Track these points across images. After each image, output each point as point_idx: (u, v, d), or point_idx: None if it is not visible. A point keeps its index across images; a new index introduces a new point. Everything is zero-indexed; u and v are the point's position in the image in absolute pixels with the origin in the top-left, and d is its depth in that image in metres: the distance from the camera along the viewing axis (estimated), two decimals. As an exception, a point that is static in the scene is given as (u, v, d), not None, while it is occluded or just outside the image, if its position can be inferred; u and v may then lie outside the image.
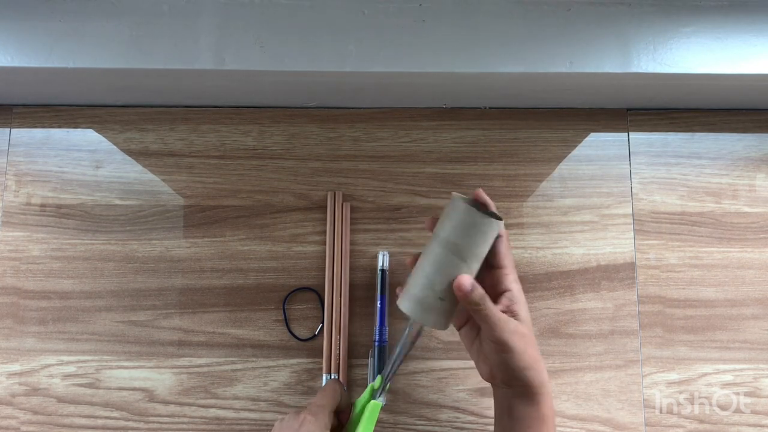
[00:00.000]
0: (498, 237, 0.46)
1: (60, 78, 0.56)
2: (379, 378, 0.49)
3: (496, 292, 0.47)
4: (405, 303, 0.46)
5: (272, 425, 0.47)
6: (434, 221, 0.48)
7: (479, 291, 0.44)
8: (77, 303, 0.60)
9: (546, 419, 0.46)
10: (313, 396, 0.58)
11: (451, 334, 0.59)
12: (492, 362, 0.47)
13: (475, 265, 0.45)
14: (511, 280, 0.47)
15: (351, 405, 0.49)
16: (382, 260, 0.59)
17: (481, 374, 0.49)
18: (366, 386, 0.57)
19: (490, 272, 0.48)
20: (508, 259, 0.47)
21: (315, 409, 0.46)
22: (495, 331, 0.44)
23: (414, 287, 0.46)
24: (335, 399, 0.47)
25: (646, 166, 0.63)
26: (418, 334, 0.48)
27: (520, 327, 0.45)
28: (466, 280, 0.44)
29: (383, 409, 0.57)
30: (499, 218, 0.45)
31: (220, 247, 0.60)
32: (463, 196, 0.46)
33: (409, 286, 0.46)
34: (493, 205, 0.48)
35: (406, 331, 0.48)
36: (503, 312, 0.45)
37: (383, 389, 0.49)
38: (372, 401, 0.48)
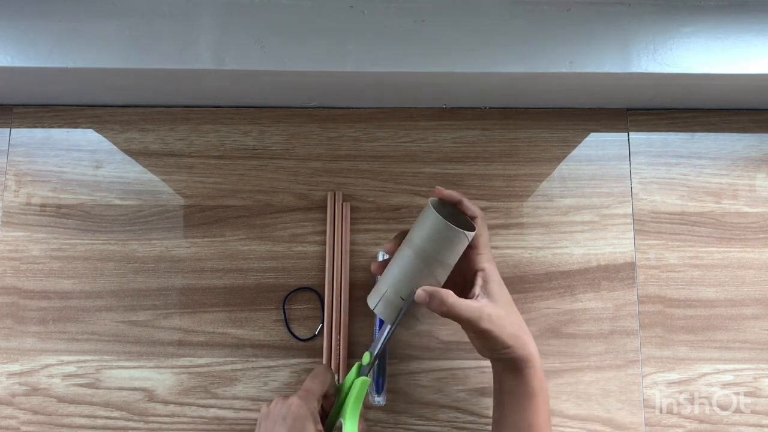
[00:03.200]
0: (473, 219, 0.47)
1: (60, 78, 0.56)
2: (367, 354, 0.49)
3: (470, 272, 0.48)
4: (373, 301, 0.47)
5: None
6: (400, 237, 0.48)
7: (437, 299, 0.44)
8: (77, 303, 0.60)
9: (534, 393, 0.46)
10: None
11: (451, 334, 0.59)
12: (476, 345, 0.49)
13: (442, 273, 0.46)
14: (483, 259, 0.47)
15: (337, 388, 0.49)
16: (382, 260, 0.59)
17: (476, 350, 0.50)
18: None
19: (464, 252, 0.48)
20: (482, 239, 0.48)
21: (303, 394, 0.46)
22: (468, 325, 0.45)
23: (383, 287, 0.47)
24: (324, 384, 0.47)
25: (646, 166, 0.63)
26: (405, 311, 0.47)
27: (493, 310, 0.45)
28: (422, 295, 0.44)
29: (383, 409, 0.57)
30: (471, 228, 0.46)
31: (220, 247, 0.60)
32: (437, 201, 0.47)
33: (378, 285, 0.47)
34: (464, 201, 0.47)
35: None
36: (477, 293, 0.46)
37: (372, 366, 0.48)
38: (360, 378, 0.47)
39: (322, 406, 0.48)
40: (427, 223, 0.45)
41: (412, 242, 0.46)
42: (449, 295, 0.44)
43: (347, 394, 0.47)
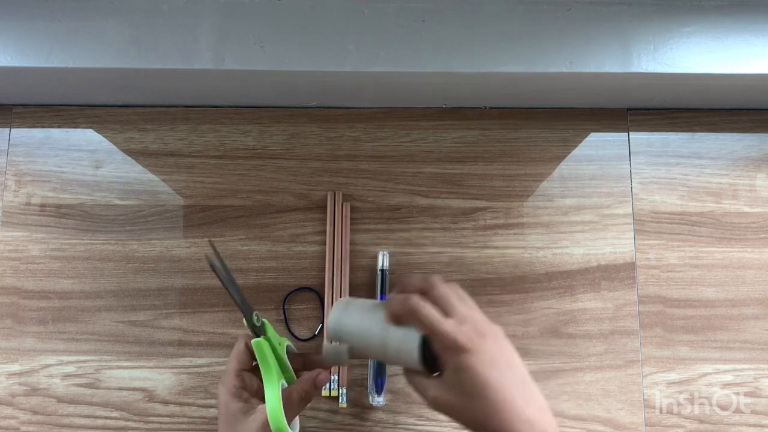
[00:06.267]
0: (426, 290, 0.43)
1: (60, 78, 0.56)
2: (245, 319, 0.46)
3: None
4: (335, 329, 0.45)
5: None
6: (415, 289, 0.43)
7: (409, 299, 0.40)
8: (77, 303, 0.59)
9: None
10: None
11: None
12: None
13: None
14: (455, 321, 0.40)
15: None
16: (382, 260, 0.59)
17: None
18: (365, 386, 0.58)
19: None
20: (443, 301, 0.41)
21: (222, 377, 0.45)
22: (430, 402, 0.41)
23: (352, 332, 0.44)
24: (240, 359, 0.45)
25: (646, 166, 0.62)
26: (218, 258, 0.47)
27: (445, 395, 0.40)
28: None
29: (383, 409, 0.57)
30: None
31: (220, 247, 0.60)
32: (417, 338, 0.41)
33: (350, 327, 0.44)
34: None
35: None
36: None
37: (254, 326, 0.45)
38: (254, 340, 0.45)
39: (254, 374, 0.46)
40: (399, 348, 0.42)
41: (383, 334, 0.43)
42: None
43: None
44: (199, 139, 0.63)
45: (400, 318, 0.42)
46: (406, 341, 0.41)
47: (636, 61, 0.54)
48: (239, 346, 0.46)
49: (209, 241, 0.47)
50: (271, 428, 0.42)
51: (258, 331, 0.46)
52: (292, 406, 0.44)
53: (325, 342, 0.46)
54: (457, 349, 0.39)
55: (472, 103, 0.63)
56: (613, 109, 0.64)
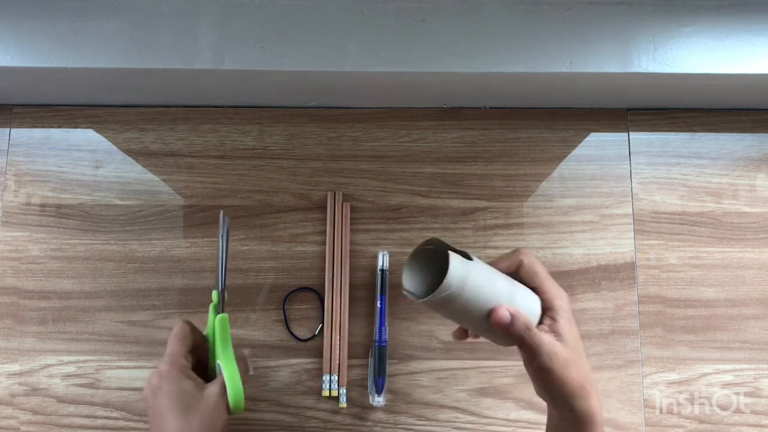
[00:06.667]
0: (520, 262, 0.45)
1: (60, 78, 0.56)
2: (215, 293, 0.48)
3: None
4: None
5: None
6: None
7: (520, 323, 0.41)
8: (77, 303, 0.59)
9: None
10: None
11: (450, 335, 0.59)
12: (535, 386, 0.44)
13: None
14: (552, 296, 0.44)
15: (205, 337, 0.49)
16: (382, 260, 0.59)
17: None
18: (365, 386, 0.58)
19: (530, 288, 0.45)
20: (538, 278, 0.45)
21: (167, 358, 0.45)
22: (536, 360, 0.42)
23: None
24: (185, 340, 0.46)
25: (646, 166, 0.62)
26: (226, 227, 0.48)
27: (559, 350, 0.41)
28: (503, 311, 0.42)
29: (383, 409, 0.57)
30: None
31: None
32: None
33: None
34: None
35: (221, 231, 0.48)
36: (545, 329, 0.43)
37: (222, 302, 0.48)
38: (218, 315, 0.47)
39: (198, 357, 0.47)
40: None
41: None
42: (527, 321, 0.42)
43: (214, 337, 0.47)
44: (199, 139, 0.63)
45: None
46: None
47: (636, 61, 0.54)
48: (183, 328, 0.47)
49: (223, 212, 0.49)
50: (232, 402, 0.44)
51: (218, 308, 0.48)
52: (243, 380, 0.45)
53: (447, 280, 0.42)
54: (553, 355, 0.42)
55: (472, 103, 0.63)
56: (613, 109, 0.64)
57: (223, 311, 0.48)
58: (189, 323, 0.48)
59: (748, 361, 0.59)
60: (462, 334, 0.51)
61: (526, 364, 0.43)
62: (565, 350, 0.42)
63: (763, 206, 0.62)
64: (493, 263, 0.46)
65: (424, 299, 0.42)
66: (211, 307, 0.48)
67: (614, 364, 0.59)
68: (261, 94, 0.61)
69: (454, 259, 0.42)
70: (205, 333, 0.49)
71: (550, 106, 0.64)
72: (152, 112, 0.63)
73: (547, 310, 0.44)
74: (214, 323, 0.47)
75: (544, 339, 0.42)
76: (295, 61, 0.54)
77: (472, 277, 0.42)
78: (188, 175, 0.62)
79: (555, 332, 0.43)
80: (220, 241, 0.49)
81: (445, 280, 0.41)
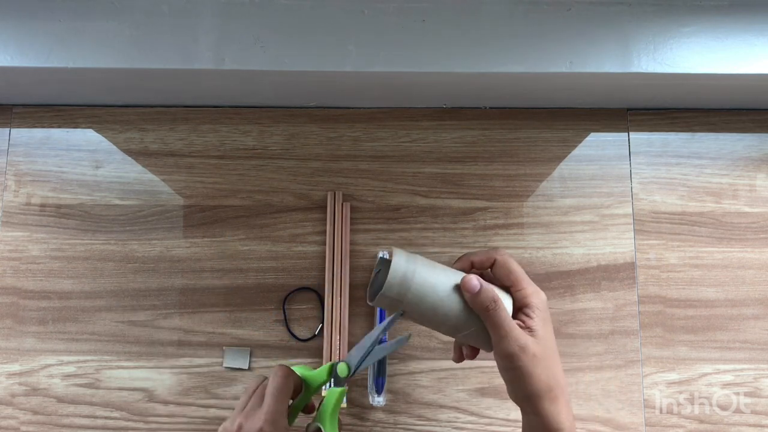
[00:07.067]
0: (494, 260, 0.46)
1: (60, 78, 0.56)
2: (344, 365, 0.47)
3: (515, 311, 0.44)
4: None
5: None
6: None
7: (489, 293, 0.42)
8: (77, 303, 0.59)
9: None
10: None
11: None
12: (506, 384, 0.43)
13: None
14: (526, 294, 0.44)
15: (302, 384, 0.46)
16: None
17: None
18: (365, 386, 0.57)
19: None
20: (513, 275, 0.45)
21: (268, 416, 0.40)
22: (502, 343, 0.41)
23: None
24: (288, 395, 0.43)
25: (646, 166, 0.62)
26: (392, 321, 0.46)
27: (532, 344, 0.41)
28: (473, 282, 0.42)
29: (383, 409, 0.57)
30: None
31: (220, 247, 0.60)
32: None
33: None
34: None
35: (385, 323, 0.46)
36: (520, 327, 0.42)
37: (349, 377, 0.47)
38: (342, 388, 0.46)
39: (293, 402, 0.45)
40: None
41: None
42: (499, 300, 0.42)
43: (324, 399, 0.46)
44: (199, 139, 0.63)
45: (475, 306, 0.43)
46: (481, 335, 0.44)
47: (636, 61, 0.54)
48: (287, 382, 0.43)
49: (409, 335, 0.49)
50: None
51: (341, 380, 0.47)
52: None
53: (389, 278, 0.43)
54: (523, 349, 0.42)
55: (472, 103, 0.63)
56: (613, 109, 0.64)
57: (346, 385, 0.47)
58: (292, 373, 0.44)
59: (748, 361, 0.59)
60: (459, 355, 0.50)
61: (495, 356, 0.43)
62: (536, 346, 0.41)
63: (763, 206, 0.62)
64: (467, 257, 0.47)
65: (380, 293, 0.43)
66: (329, 366, 0.47)
67: (614, 364, 0.59)
68: (261, 94, 0.61)
69: (398, 252, 0.44)
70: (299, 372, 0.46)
71: (550, 106, 0.64)
72: (152, 112, 0.63)
73: (522, 307, 0.44)
74: (336, 393, 0.45)
75: (513, 323, 0.42)
76: (295, 61, 0.54)
77: (420, 262, 0.44)
78: (188, 175, 0.62)
79: (528, 328, 0.43)
80: (381, 329, 0.47)
81: (392, 266, 0.43)
